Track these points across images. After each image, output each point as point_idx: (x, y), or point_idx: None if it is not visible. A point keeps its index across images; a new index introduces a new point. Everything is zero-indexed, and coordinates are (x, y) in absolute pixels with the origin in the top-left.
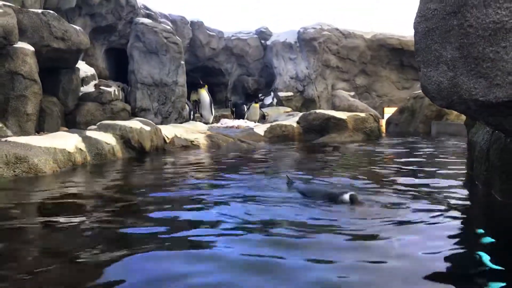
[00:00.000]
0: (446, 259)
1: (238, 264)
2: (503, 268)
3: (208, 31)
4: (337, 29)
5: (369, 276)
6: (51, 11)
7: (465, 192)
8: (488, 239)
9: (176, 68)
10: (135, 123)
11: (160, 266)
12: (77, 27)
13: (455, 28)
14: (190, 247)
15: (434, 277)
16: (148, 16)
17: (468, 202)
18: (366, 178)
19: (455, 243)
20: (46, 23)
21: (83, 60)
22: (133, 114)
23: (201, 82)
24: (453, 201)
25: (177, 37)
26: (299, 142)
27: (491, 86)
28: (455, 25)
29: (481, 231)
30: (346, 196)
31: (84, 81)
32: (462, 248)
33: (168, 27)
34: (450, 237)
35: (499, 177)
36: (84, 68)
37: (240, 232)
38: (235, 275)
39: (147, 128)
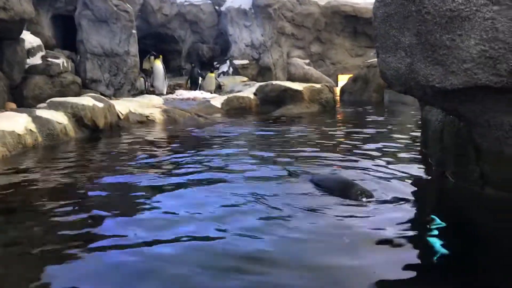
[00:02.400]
0: (395, 241)
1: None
2: (451, 251)
3: None
4: None
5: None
6: None
7: (419, 172)
8: (438, 222)
9: (127, 37)
10: (87, 100)
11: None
12: None
13: (413, 14)
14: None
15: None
16: None
17: (422, 183)
18: (320, 155)
19: (405, 225)
20: None
21: (28, 29)
22: (83, 86)
23: (155, 54)
24: (407, 181)
25: (128, 5)
26: (256, 114)
27: (447, 73)
28: (413, 11)
29: (433, 214)
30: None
31: (30, 52)
32: (411, 230)
33: None
34: (401, 218)
35: (452, 160)
36: (29, 39)
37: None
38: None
39: (100, 105)
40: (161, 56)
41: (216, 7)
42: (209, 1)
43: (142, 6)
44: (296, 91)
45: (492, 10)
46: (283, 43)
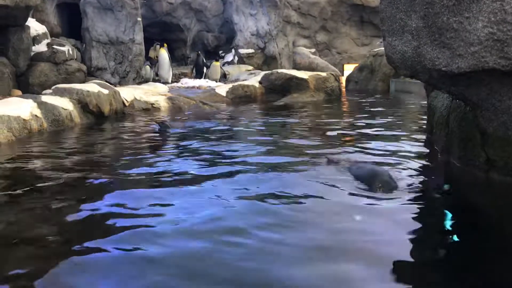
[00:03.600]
0: (403, 227)
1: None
2: (455, 237)
3: None
4: None
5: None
6: None
7: (425, 157)
8: (443, 210)
9: (132, 25)
10: (92, 87)
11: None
12: None
13: None
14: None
15: (392, 245)
16: None
17: (428, 168)
18: (325, 141)
19: (410, 210)
20: None
21: (33, 17)
22: (89, 74)
23: (160, 43)
24: (414, 166)
25: None
26: (261, 103)
27: (454, 56)
28: None
29: (438, 200)
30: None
31: (36, 40)
32: (419, 216)
33: None
34: (409, 205)
35: (458, 144)
36: (35, 26)
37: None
38: None
39: (105, 92)
40: (166, 45)
41: None
42: None
43: None
44: (302, 79)
45: None
46: (289, 32)
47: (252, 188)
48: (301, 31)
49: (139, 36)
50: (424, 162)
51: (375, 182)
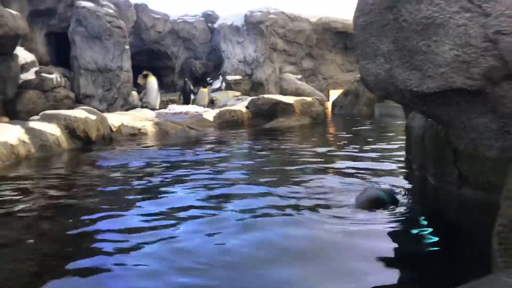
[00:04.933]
0: (378, 239)
1: None
2: (429, 249)
3: (153, 14)
4: (283, 13)
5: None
6: None
7: (402, 176)
8: (419, 223)
9: (120, 53)
10: (79, 112)
11: None
12: (14, 12)
13: (391, 22)
14: None
15: (367, 256)
16: None
17: (404, 187)
18: (309, 161)
19: (386, 225)
20: None
21: (22, 45)
22: (77, 101)
23: (148, 72)
24: (390, 185)
25: (121, 21)
26: (248, 127)
27: (424, 77)
28: (391, 19)
29: (414, 215)
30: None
31: (24, 68)
32: (392, 229)
33: (111, 11)
34: (382, 219)
35: (432, 162)
36: (23, 55)
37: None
38: None
39: (93, 117)
40: (151, 74)
41: (209, 24)
42: (202, 18)
43: (136, 23)
44: (287, 104)
45: (464, 17)
46: (276, 59)
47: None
48: (288, 58)
49: (127, 64)
50: (401, 179)
51: (361, 199)
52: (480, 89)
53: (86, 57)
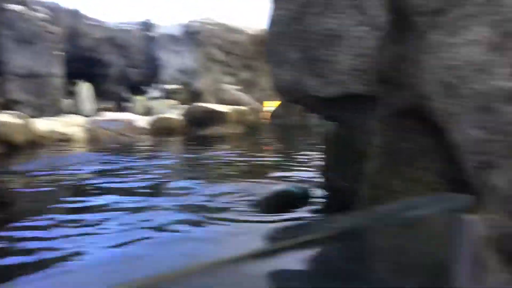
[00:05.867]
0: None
1: None
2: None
3: (89, 21)
4: (221, 24)
5: None
6: None
7: (319, 179)
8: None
9: (52, 58)
10: (2, 117)
11: None
12: None
13: (297, 32)
14: None
15: None
16: (20, 2)
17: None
18: (230, 170)
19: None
20: None
21: None
22: (5, 108)
23: (82, 79)
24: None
25: (54, 26)
26: (182, 134)
27: (326, 84)
28: (298, 30)
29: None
30: None
31: None
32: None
33: (43, 15)
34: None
35: (334, 163)
36: None
37: None
38: None
39: (17, 122)
40: (83, 81)
41: (147, 33)
42: (140, 27)
43: (71, 30)
44: (221, 112)
45: (361, 30)
46: (213, 69)
47: None
48: (225, 68)
49: (59, 70)
50: (309, 180)
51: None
52: (372, 94)
53: (16, 62)
